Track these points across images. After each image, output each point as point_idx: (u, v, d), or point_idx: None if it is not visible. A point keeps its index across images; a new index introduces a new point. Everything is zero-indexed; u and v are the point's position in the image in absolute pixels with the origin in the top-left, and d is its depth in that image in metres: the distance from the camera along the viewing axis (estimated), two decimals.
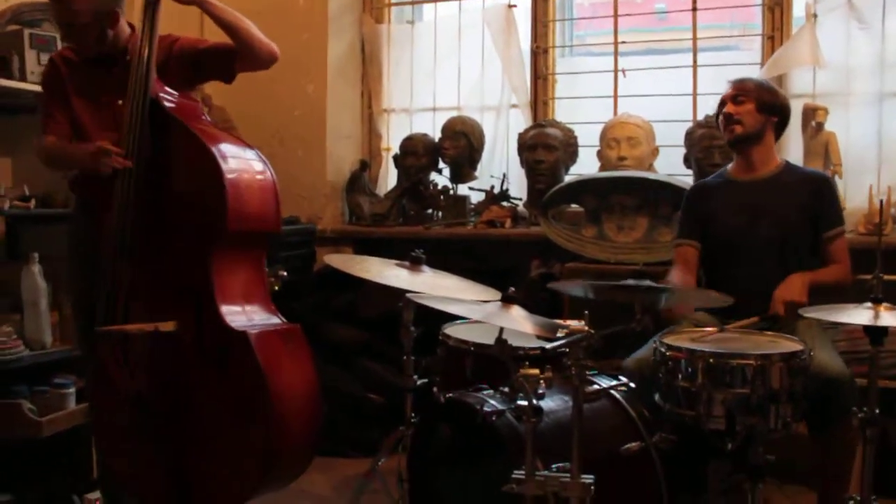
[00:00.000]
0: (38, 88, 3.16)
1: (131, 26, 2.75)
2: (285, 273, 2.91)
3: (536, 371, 2.03)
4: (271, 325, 2.63)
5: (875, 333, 2.21)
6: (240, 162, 2.62)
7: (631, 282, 2.24)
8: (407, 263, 2.62)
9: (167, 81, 2.71)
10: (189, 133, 2.57)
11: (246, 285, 2.65)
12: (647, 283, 2.23)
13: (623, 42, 4.09)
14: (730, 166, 3.08)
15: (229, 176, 2.53)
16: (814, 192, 2.89)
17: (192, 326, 2.55)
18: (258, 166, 2.69)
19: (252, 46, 2.71)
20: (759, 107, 2.91)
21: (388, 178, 4.64)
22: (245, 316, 2.59)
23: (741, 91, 2.94)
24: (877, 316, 2.17)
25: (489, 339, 2.27)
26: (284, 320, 2.69)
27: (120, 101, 2.65)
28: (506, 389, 2.27)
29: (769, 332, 2.49)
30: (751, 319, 2.58)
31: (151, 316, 2.56)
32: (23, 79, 3.15)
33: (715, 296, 2.48)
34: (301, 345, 2.65)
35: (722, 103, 2.98)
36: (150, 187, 2.59)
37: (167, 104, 2.64)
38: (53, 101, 2.80)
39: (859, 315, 2.21)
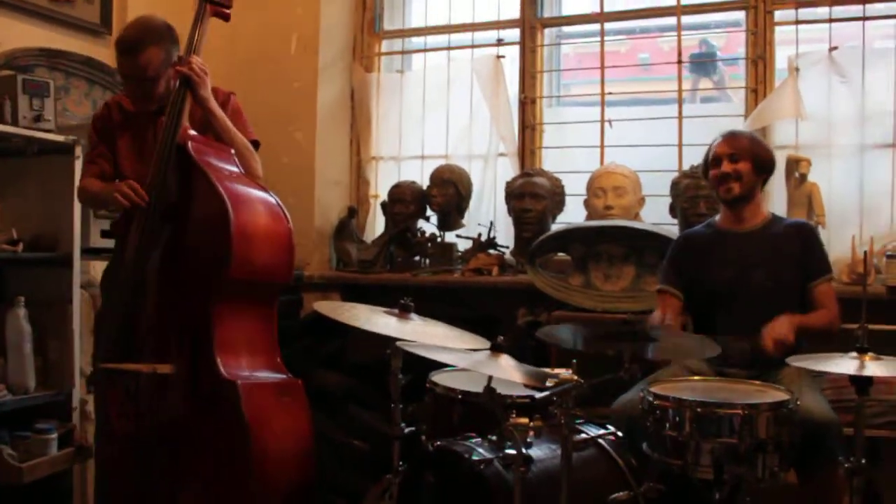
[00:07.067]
0: (28, 133, 3.19)
1: None
2: None
3: (526, 420, 2.04)
4: (267, 378, 2.62)
5: (861, 383, 2.21)
6: (254, 212, 2.65)
7: (628, 317, 2.25)
8: (396, 311, 2.62)
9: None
10: (207, 179, 2.61)
11: (249, 334, 2.66)
12: (643, 321, 2.24)
13: (609, 93, 4.14)
14: (718, 217, 3.11)
15: (238, 224, 2.56)
16: (801, 241, 2.93)
17: (188, 370, 2.55)
18: (275, 217, 2.71)
19: (241, 159, 2.82)
20: (756, 167, 2.95)
21: (376, 225, 4.66)
22: (242, 365, 2.59)
23: (737, 150, 2.96)
24: (862, 366, 2.19)
25: (476, 387, 2.27)
26: (288, 375, 2.68)
27: None
28: (494, 438, 2.26)
29: (756, 382, 2.50)
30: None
31: (155, 357, 2.58)
32: (14, 123, 3.15)
33: (705, 343, 2.48)
34: (298, 401, 2.66)
35: (717, 160, 2.98)
36: (169, 230, 2.64)
37: (194, 151, 2.67)
38: (99, 145, 2.90)
39: (845, 365, 2.23)
